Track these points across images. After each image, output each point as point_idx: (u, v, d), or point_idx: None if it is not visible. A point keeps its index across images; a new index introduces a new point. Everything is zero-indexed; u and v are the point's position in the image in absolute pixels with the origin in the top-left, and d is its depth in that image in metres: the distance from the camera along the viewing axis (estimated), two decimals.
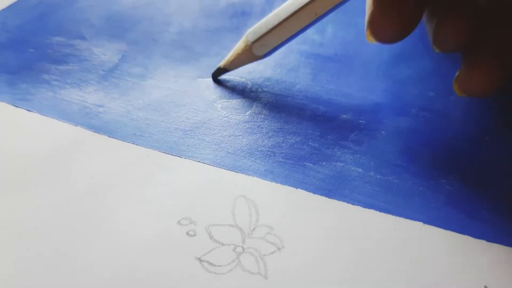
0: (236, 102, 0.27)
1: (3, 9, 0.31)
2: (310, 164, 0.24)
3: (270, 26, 0.25)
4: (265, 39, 0.26)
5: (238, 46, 0.27)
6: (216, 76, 0.28)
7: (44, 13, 0.31)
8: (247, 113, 0.26)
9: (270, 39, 0.26)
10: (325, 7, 0.24)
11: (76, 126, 0.25)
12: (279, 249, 0.20)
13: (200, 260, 0.20)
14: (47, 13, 0.31)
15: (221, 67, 0.27)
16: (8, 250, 0.20)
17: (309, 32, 0.31)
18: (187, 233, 0.21)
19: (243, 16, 0.32)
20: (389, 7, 0.22)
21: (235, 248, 0.20)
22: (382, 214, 0.22)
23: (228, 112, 0.26)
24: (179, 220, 0.21)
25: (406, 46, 0.30)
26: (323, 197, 0.22)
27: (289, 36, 0.25)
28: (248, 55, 0.26)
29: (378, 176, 0.23)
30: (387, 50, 0.30)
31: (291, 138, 0.25)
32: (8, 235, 0.20)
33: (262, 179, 0.23)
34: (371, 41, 0.23)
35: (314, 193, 0.22)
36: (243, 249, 0.20)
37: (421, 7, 0.23)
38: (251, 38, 0.26)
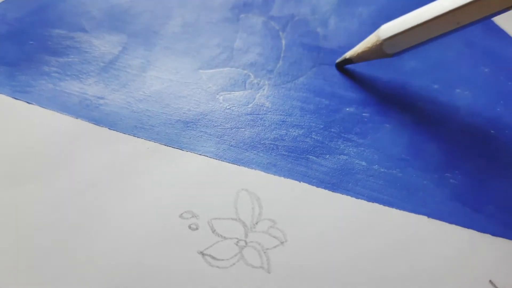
0: (238, 94, 0.26)
1: (3, 1, 0.31)
2: (314, 157, 0.23)
3: (406, 26, 0.24)
4: (398, 38, 0.24)
5: (369, 39, 0.25)
6: (341, 65, 0.27)
7: (44, 6, 0.31)
8: (249, 105, 0.26)
9: (404, 40, 0.24)
10: (470, 18, 0.22)
11: (76, 118, 0.25)
12: (282, 243, 0.20)
13: (202, 254, 0.20)
14: (47, 6, 0.31)
15: (347, 57, 0.26)
16: (8, 243, 0.20)
17: (312, 24, 0.31)
18: (189, 227, 0.20)
19: (244, 7, 0.32)
20: None
21: (237, 242, 0.20)
22: (386, 208, 0.22)
23: (230, 104, 0.26)
24: (181, 214, 0.21)
25: None
26: (327, 191, 0.22)
27: (424, 40, 0.24)
28: (377, 51, 0.25)
29: (382, 170, 0.23)
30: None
31: (294, 131, 0.25)
32: (8, 228, 0.20)
33: (265, 172, 0.23)
34: None
35: (317, 186, 0.22)
36: (246, 243, 0.20)
37: None
38: (384, 35, 0.25)
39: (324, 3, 0.33)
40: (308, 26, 0.31)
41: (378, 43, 0.25)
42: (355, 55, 0.26)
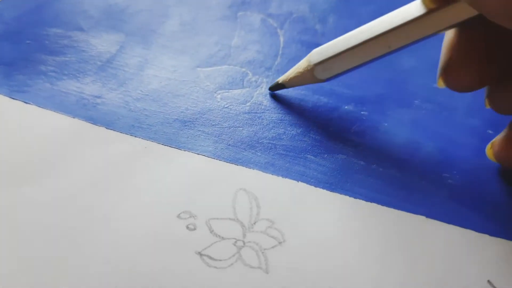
0: (236, 93, 0.26)
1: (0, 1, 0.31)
2: (312, 157, 0.23)
3: (337, 50, 0.23)
4: (329, 63, 0.23)
5: (301, 64, 0.25)
6: (273, 90, 0.26)
7: (41, 5, 0.31)
8: (247, 104, 0.26)
9: (335, 65, 0.23)
10: (400, 42, 0.22)
11: (74, 118, 0.24)
12: (280, 243, 0.20)
13: (200, 254, 0.19)
14: (44, 5, 0.31)
15: (279, 82, 0.26)
16: (6, 245, 0.20)
17: (311, 21, 0.31)
18: (187, 227, 0.20)
19: (242, 5, 0.32)
20: (470, 56, 0.21)
21: (235, 242, 0.20)
22: (384, 207, 0.22)
23: (228, 102, 0.26)
24: (179, 214, 0.21)
25: None
26: (325, 190, 0.22)
27: (356, 65, 0.23)
28: (309, 76, 0.24)
29: (381, 169, 0.23)
30: None
31: (292, 130, 0.25)
32: (6, 230, 0.20)
33: (263, 172, 0.22)
34: (441, 86, 0.22)
35: (315, 186, 0.22)
36: (244, 243, 0.20)
37: (504, 60, 0.21)
38: (315, 59, 0.24)
39: (322, 1, 0.33)
40: (307, 23, 0.31)
41: (309, 68, 0.24)
42: (287, 80, 0.25)
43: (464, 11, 0.20)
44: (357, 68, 0.23)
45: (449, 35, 0.22)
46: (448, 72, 0.21)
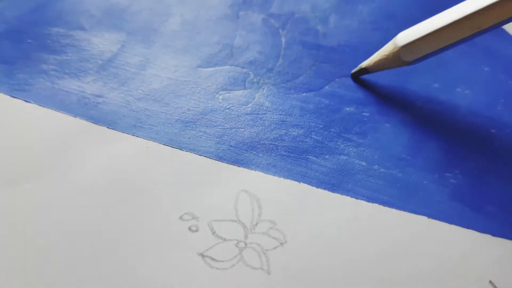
0: (237, 93, 0.26)
1: (1, 0, 0.31)
2: (313, 158, 0.23)
3: (424, 32, 0.23)
4: (416, 45, 0.23)
5: (386, 47, 0.25)
6: (357, 75, 0.26)
7: (42, 4, 0.31)
8: (249, 105, 0.26)
9: (422, 46, 0.23)
10: (490, 21, 0.21)
11: (75, 117, 0.24)
12: (282, 244, 0.20)
13: (202, 255, 0.19)
14: (46, 4, 0.31)
15: (363, 67, 0.26)
16: (6, 244, 0.19)
17: (312, 22, 0.31)
18: (189, 229, 0.20)
19: (244, 4, 0.32)
20: None
21: (237, 243, 0.20)
22: (386, 208, 0.22)
23: (229, 103, 0.26)
24: (181, 216, 0.21)
25: None
26: (326, 191, 0.22)
27: (443, 46, 0.23)
28: (395, 59, 0.24)
29: (382, 170, 0.23)
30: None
31: (293, 131, 0.24)
32: (6, 229, 0.20)
33: (265, 173, 0.22)
34: None
35: (317, 187, 0.22)
36: (246, 244, 0.20)
37: None
38: (401, 42, 0.24)
39: (324, 0, 0.32)
40: (308, 23, 0.31)
41: (395, 51, 0.24)
42: (371, 64, 0.25)
43: None
44: (444, 49, 0.23)
45: None
46: None
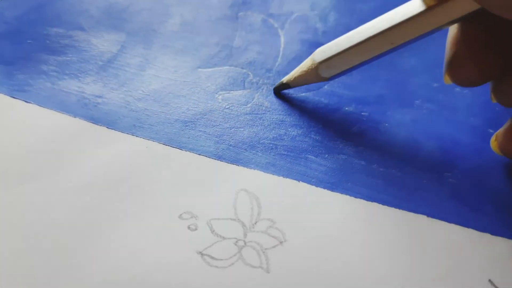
0: (237, 94, 0.26)
1: (1, 0, 0.31)
2: (312, 157, 0.23)
3: (340, 48, 0.23)
4: (333, 61, 0.23)
5: (305, 63, 0.25)
6: (278, 90, 0.26)
7: (42, 4, 0.31)
8: (248, 105, 0.26)
9: (339, 62, 0.23)
10: (403, 37, 0.22)
11: (75, 117, 0.24)
12: (281, 242, 0.20)
13: (201, 254, 0.19)
14: (45, 4, 0.31)
15: (284, 82, 0.26)
16: (7, 245, 0.20)
17: (311, 20, 0.31)
18: (188, 227, 0.20)
19: (243, 5, 0.32)
20: (474, 49, 0.21)
21: (236, 242, 0.20)
22: (385, 207, 0.22)
23: (229, 103, 0.26)
24: (181, 214, 0.21)
25: None
26: (326, 190, 0.22)
27: (359, 62, 0.23)
28: (313, 75, 0.24)
29: (381, 169, 0.23)
30: None
31: (293, 131, 0.25)
32: (6, 230, 0.20)
33: (264, 172, 0.23)
34: (447, 82, 0.22)
35: (316, 186, 0.22)
36: (245, 243, 0.20)
37: (509, 52, 0.21)
38: (319, 58, 0.24)
39: None
40: (307, 22, 0.31)
41: (313, 67, 0.24)
42: (291, 79, 0.25)
43: (465, 6, 0.20)
44: (361, 65, 0.23)
45: (452, 30, 0.21)
46: (454, 66, 0.21)
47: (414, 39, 0.22)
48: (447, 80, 0.22)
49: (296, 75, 0.25)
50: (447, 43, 0.22)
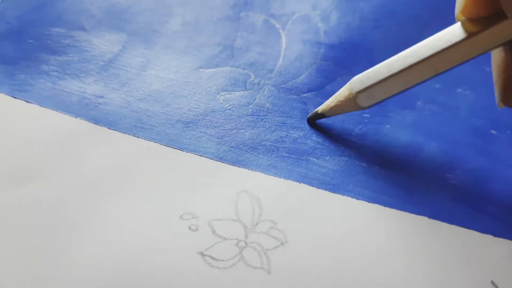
0: (238, 95, 0.26)
1: (2, 0, 0.31)
2: (314, 159, 0.23)
3: (380, 77, 0.22)
4: (373, 90, 0.22)
5: (341, 92, 0.24)
6: (312, 120, 0.25)
7: (43, 4, 0.31)
8: (250, 106, 0.26)
9: (379, 91, 0.22)
10: (449, 64, 0.21)
11: (76, 117, 0.24)
12: (282, 244, 0.20)
13: (202, 254, 0.19)
14: (47, 4, 0.31)
15: (319, 112, 0.25)
16: (8, 244, 0.20)
17: (313, 20, 0.31)
18: (189, 228, 0.20)
19: (245, 5, 0.32)
20: None
21: (238, 242, 0.20)
22: (387, 208, 0.22)
23: (230, 104, 0.26)
24: (181, 215, 0.21)
25: (411, 35, 0.30)
26: (327, 192, 0.22)
27: (401, 90, 0.22)
28: (351, 105, 0.23)
29: (383, 171, 0.23)
30: (392, 38, 0.30)
31: (294, 133, 0.25)
32: (8, 229, 0.20)
33: (265, 174, 0.22)
34: (501, 107, 0.21)
35: (317, 188, 0.22)
36: (246, 244, 0.20)
37: None
38: (357, 87, 0.23)
39: None
40: (309, 22, 0.31)
41: (351, 97, 0.23)
42: (327, 109, 0.24)
43: (509, 30, 0.20)
44: (402, 92, 0.22)
45: (496, 55, 0.21)
46: (509, 91, 0.21)
47: (459, 64, 0.21)
48: (501, 105, 0.21)
49: (332, 105, 0.24)
50: (493, 68, 0.21)
